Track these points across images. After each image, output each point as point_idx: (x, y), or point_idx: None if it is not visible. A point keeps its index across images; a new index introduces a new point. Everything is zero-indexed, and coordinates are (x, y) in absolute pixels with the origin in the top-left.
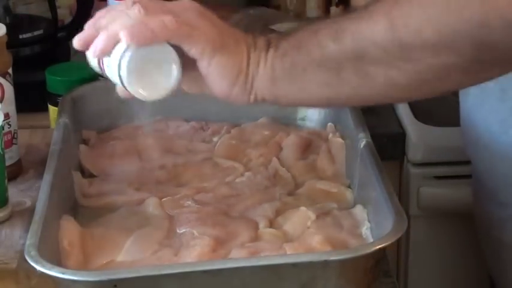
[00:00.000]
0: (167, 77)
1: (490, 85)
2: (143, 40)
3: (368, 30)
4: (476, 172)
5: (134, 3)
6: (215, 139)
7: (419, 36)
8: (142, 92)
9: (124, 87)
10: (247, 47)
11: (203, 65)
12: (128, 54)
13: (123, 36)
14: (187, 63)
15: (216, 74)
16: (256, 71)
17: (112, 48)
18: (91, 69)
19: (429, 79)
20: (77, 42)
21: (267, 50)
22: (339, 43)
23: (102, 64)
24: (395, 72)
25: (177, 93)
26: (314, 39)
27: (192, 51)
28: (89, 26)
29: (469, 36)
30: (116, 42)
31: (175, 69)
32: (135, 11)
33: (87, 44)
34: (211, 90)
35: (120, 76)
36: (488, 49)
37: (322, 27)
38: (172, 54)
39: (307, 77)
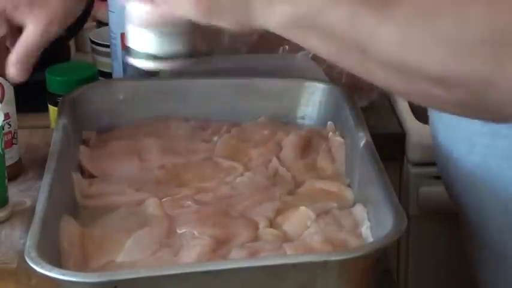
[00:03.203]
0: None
1: None
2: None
3: (378, 31)
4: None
5: None
6: (215, 139)
7: (421, 66)
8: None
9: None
10: None
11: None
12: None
13: None
14: None
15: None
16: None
17: None
18: (91, 69)
19: (422, 100)
20: None
21: None
22: (350, 27)
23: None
24: (394, 81)
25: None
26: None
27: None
28: None
29: (470, 87)
30: None
31: (182, 43)
32: None
33: None
34: None
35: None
36: (489, 104)
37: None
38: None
39: (309, 34)
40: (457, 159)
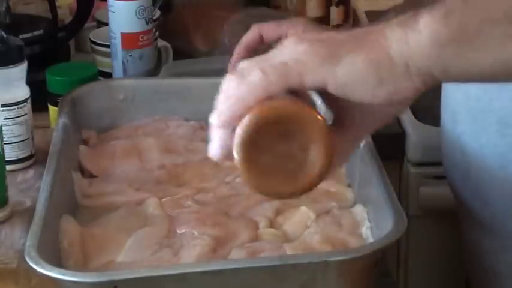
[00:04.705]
0: None
1: (488, 116)
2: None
3: None
4: (464, 200)
5: None
6: None
7: None
8: None
9: None
10: (377, 33)
11: (331, 88)
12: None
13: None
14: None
15: (352, 87)
16: (407, 46)
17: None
18: (91, 69)
19: None
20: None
21: (416, 19)
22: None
23: None
24: None
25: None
26: None
27: (306, 84)
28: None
29: None
30: None
31: None
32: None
33: None
34: (364, 102)
35: None
36: None
37: None
38: None
39: (483, 34)
40: (482, 145)
